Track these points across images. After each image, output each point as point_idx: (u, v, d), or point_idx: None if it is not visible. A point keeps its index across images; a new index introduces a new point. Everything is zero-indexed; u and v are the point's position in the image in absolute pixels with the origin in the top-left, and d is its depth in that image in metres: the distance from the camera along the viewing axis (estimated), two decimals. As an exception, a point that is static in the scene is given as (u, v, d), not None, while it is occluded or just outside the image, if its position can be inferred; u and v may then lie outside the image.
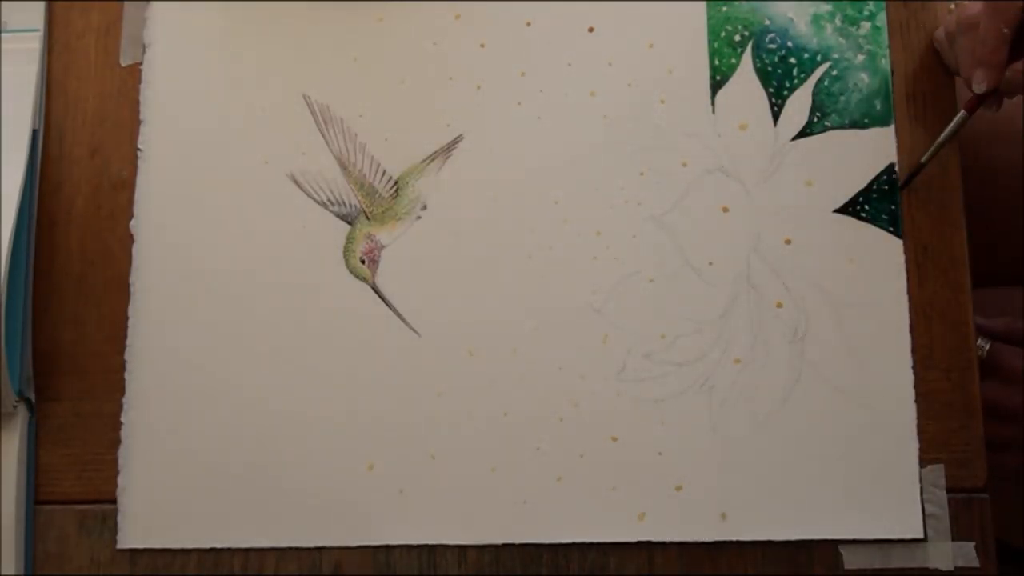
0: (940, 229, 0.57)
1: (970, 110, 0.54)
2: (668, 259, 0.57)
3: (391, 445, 0.56)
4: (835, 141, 0.58)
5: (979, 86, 0.53)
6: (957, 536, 0.54)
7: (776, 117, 0.58)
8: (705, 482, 0.55)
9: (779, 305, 0.56)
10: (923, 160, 0.56)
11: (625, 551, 0.55)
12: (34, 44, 0.59)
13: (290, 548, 0.55)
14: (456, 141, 0.59)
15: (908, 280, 0.56)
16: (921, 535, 0.54)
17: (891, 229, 0.57)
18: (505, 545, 0.55)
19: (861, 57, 0.59)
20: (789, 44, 0.59)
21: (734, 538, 0.54)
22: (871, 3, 0.59)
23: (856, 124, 0.58)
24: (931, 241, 0.57)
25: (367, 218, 0.58)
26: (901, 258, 0.57)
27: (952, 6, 0.57)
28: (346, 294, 0.57)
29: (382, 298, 0.57)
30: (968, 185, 0.57)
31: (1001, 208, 0.65)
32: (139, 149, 0.59)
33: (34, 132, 0.58)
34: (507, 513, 0.55)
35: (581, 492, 0.55)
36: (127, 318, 0.57)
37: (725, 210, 0.58)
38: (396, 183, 0.58)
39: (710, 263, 0.57)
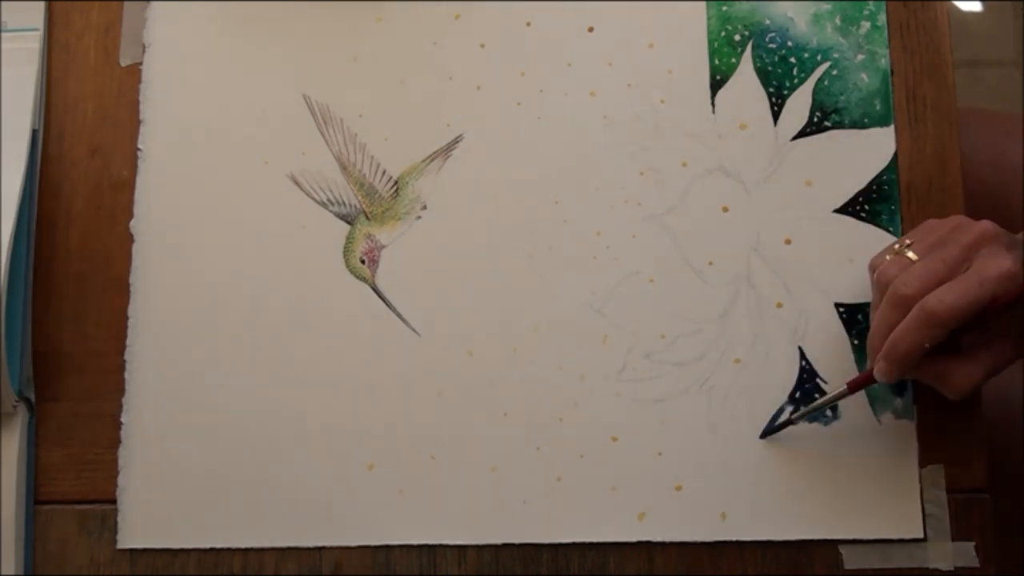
0: (940, 229, 0.57)
1: (853, 388, 0.53)
2: (668, 259, 0.57)
3: (391, 445, 0.56)
4: (835, 141, 0.58)
5: (881, 376, 0.50)
6: (957, 536, 0.54)
7: (776, 117, 0.58)
8: (705, 482, 0.55)
9: (779, 305, 0.56)
10: (794, 418, 0.54)
11: (625, 551, 0.55)
12: (34, 44, 0.59)
13: (290, 548, 0.55)
14: (456, 141, 0.59)
15: (908, 280, 0.56)
16: (921, 535, 0.54)
17: (891, 229, 0.57)
18: (505, 545, 0.55)
19: (861, 57, 0.59)
20: (789, 44, 0.59)
21: (734, 538, 0.54)
22: (871, 3, 0.59)
23: (856, 124, 0.58)
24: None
25: (367, 218, 0.58)
26: (901, 258, 0.57)
27: (896, 245, 0.53)
28: (346, 294, 0.57)
29: (382, 298, 0.57)
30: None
31: None
32: (139, 149, 0.59)
33: (34, 132, 0.58)
34: (507, 513, 0.55)
35: (581, 492, 0.55)
36: (127, 318, 0.57)
37: (725, 210, 0.58)
38: (396, 183, 0.58)
39: (710, 263, 0.57)
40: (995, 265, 0.48)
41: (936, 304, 0.48)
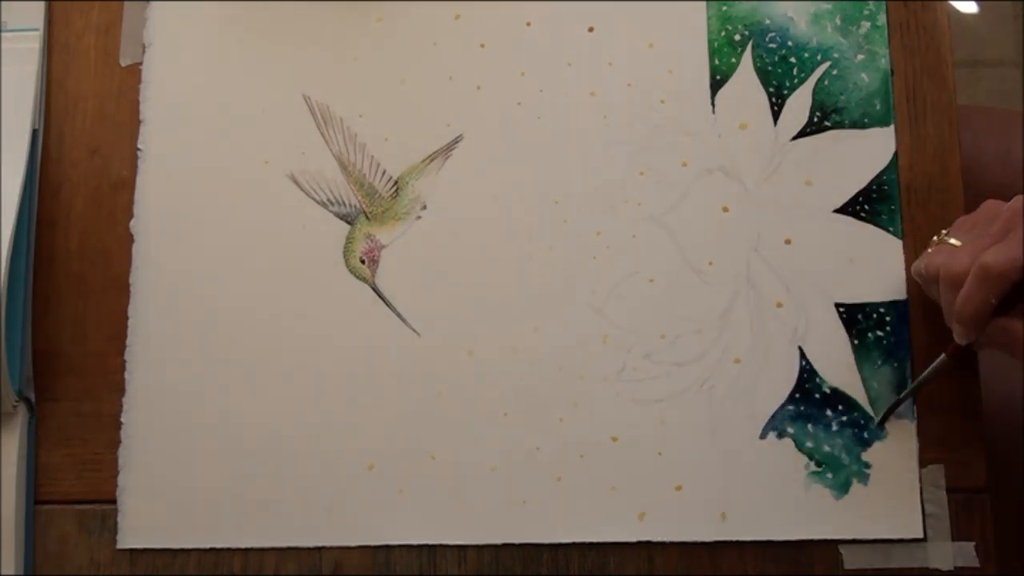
0: (940, 228, 0.57)
1: (952, 356, 0.52)
2: (668, 259, 0.57)
3: (391, 445, 0.56)
4: (835, 141, 0.58)
5: (960, 340, 0.50)
6: (957, 536, 0.54)
7: (776, 117, 0.58)
8: (705, 482, 0.55)
9: (779, 305, 0.56)
10: (902, 396, 0.54)
11: (625, 551, 0.55)
12: (34, 44, 0.59)
13: (290, 548, 0.55)
14: (456, 141, 0.59)
15: (908, 280, 0.56)
16: (921, 535, 0.54)
17: (891, 229, 0.57)
18: (505, 545, 0.55)
19: (861, 57, 0.59)
20: (789, 43, 0.59)
21: (734, 538, 0.54)
22: (871, 3, 0.59)
23: (856, 124, 0.58)
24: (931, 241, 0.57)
25: (367, 218, 0.58)
26: (901, 258, 0.57)
27: (935, 239, 0.54)
28: (346, 294, 0.57)
29: (382, 298, 0.57)
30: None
31: None
32: (139, 149, 0.59)
33: (34, 132, 0.58)
34: (507, 513, 0.55)
35: (581, 492, 0.55)
36: (127, 318, 0.57)
37: (725, 210, 0.58)
38: (396, 183, 0.58)
39: (710, 263, 0.57)
40: None
41: (992, 257, 0.47)
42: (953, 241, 0.52)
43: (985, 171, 0.70)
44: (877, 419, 0.55)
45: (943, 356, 0.53)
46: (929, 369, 0.53)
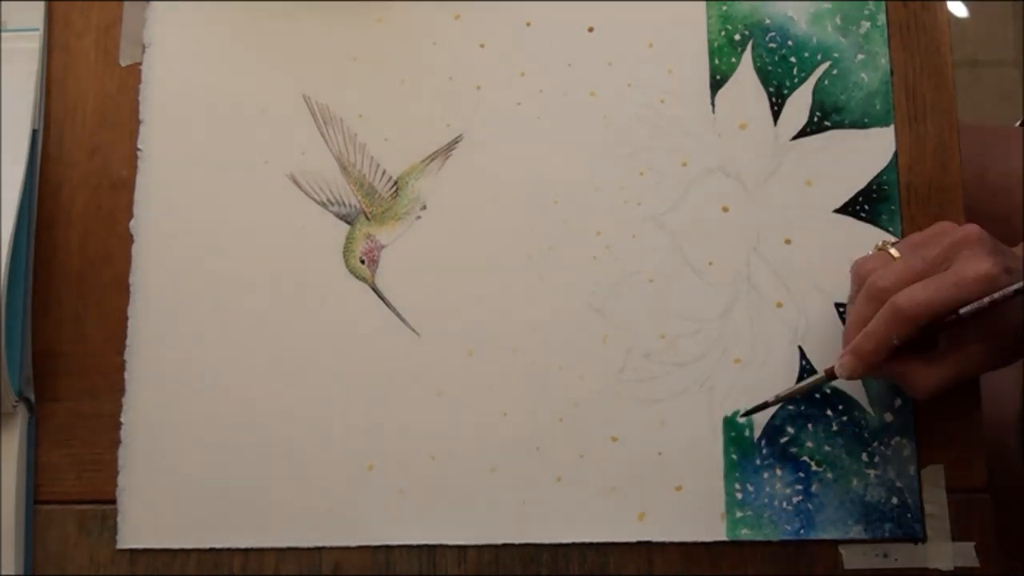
0: (940, 229, 0.57)
1: (831, 375, 0.52)
2: (668, 259, 0.57)
3: (391, 445, 0.56)
4: (835, 141, 0.58)
5: (843, 372, 0.50)
6: (957, 536, 0.54)
7: (776, 117, 0.58)
8: (705, 482, 0.55)
9: (779, 305, 0.56)
10: (771, 400, 0.53)
11: (625, 551, 0.55)
12: (34, 44, 0.59)
13: (290, 548, 0.55)
14: (456, 141, 0.59)
15: (908, 280, 0.56)
16: (921, 535, 0.54)
17: (891, 229, 0.57)
18: (505, 545, 0.55)
19: (861, 56, 0.59)
20: (789, 43, 0.59)
21: (734, 538, 0.54)
22: (871, 3, 0.59)
23: (856, 124, 0.58)
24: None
25: (367, 218, 0.58)
26: (901, 258, 0.57)
27: (878, 244, 0.54)
28: (346, 294, 0.57)
29: (382, 298, 0.57)
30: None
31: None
32: (139, 149, 0.59)
33: (34, 132, 0.58)
34: (507, 513, 0.55)
35: (581, 492, 0.55)
36: (127, 318, 0.57)
37: (725, 210, 0.58)
38: (396, 183, 0.58)
39: (710, 263, 0.57)
40: (973, 267, 0.48)
41: (905, 301, 0.48)
42: (893, 252, 0.52)
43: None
44: (743, 411, 0.54)
45: (822, 375, 0.52)
46: (807, 382, 0.53)
